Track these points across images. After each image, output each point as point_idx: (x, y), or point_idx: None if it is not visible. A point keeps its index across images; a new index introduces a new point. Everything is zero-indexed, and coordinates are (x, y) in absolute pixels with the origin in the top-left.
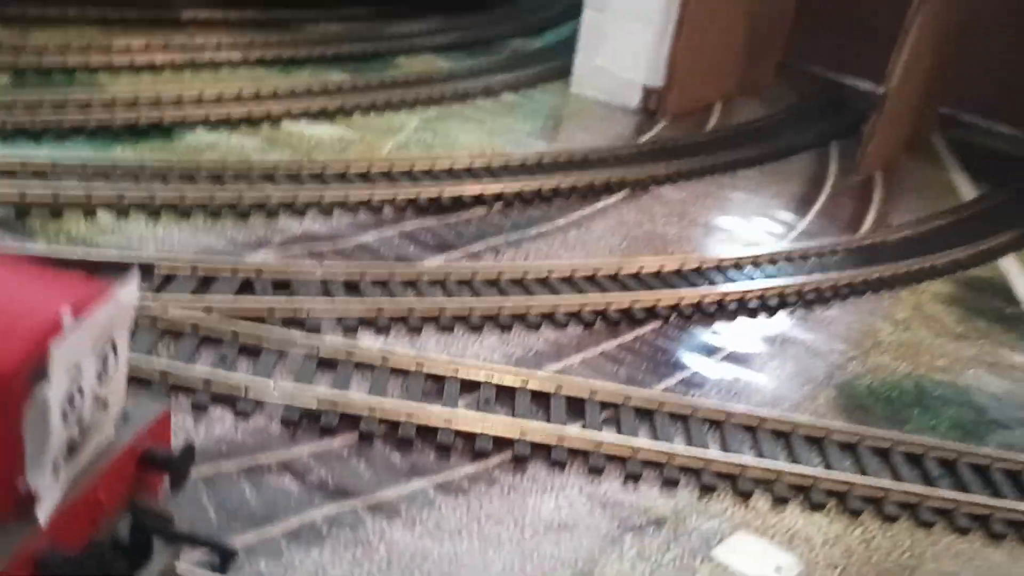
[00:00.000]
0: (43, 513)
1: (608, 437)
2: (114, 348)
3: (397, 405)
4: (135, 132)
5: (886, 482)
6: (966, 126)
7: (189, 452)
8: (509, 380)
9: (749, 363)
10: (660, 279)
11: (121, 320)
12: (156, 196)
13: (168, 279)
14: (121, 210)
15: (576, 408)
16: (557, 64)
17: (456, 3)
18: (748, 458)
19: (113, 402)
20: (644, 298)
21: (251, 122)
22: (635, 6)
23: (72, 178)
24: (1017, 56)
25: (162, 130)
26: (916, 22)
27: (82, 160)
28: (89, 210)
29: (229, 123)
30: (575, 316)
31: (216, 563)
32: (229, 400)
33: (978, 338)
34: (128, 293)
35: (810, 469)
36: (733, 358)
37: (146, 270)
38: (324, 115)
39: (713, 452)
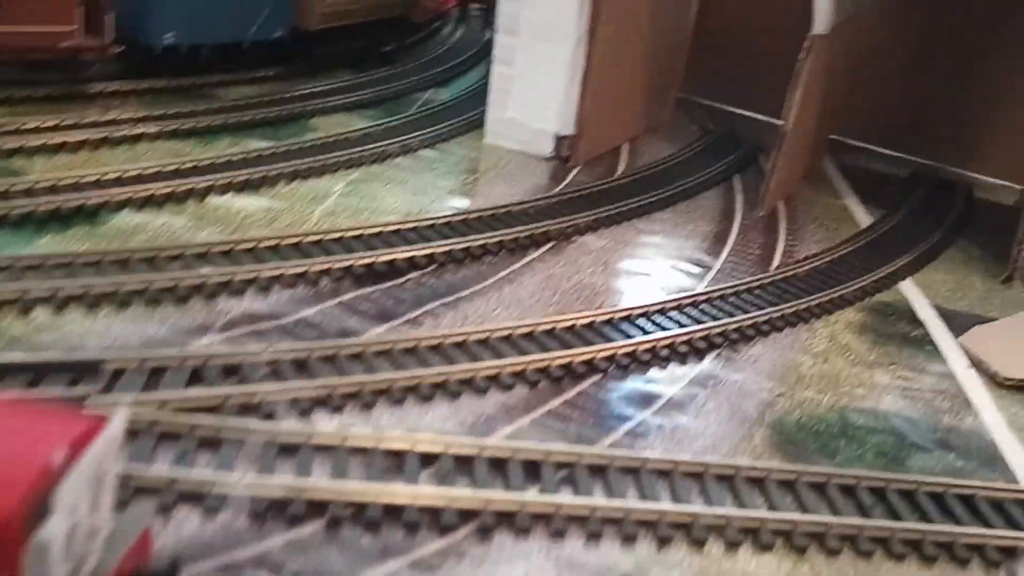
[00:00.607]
0: None
1: (566, 499)
2: (103, 479)
3: (361, 487)
4: (60, 219)
5: (826, 517)
6: (850, 150)
7: (175, 566)
8: (466, 450)
9: (686, 409)
10: (594, 331)
11: (111, 452)
12: (92, 287)
13: (117, 375)
14: (58, 305)
15: (532, 471)
16: (470, 116)
17: (362, 60)
18: (699, 507)
19: (102, 528)
20: (582, 353)
21: (176, 199)
22: (541, 60)
23: (2, 275)
24: (889, 83)
25: (87, 215)
26: (807, 62)
27: (10, 255)
28: (25, 307)
29: (154, 202)
30: (520, 376)
31: None
32: (196, 497)
33: (890, 363)
34: (117, 427)
35: (756, 512)
36: (671, 405)
37: (92, 368)
38: (249, 186)
39: (666, 504)
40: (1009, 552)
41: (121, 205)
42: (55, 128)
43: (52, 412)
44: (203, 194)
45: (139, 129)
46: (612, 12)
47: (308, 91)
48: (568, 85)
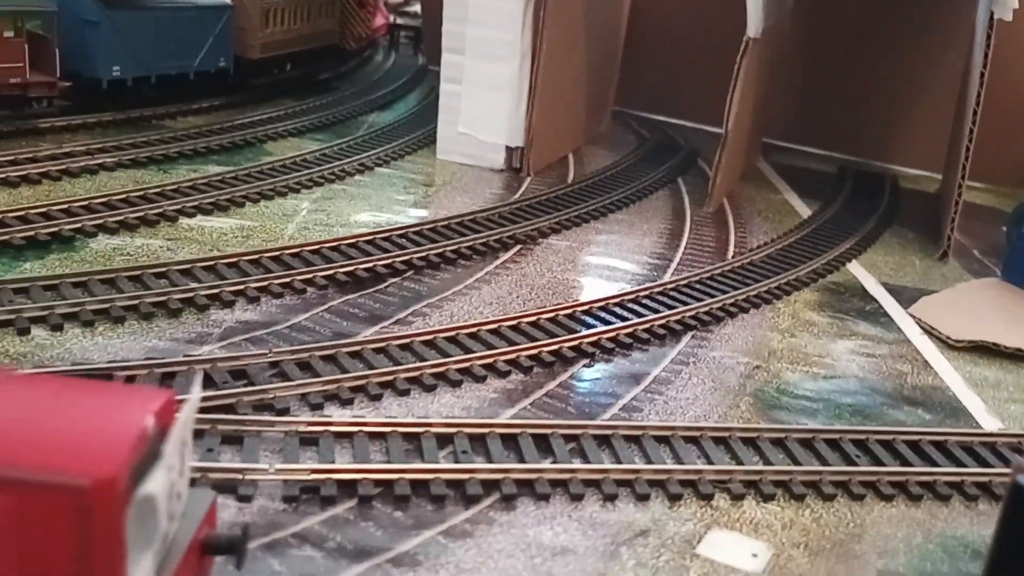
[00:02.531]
0: None
1: (580, 465)
2: (186, 445)
3: (386, 467)
4: (38, 246)
5: (818, 467)
6: (781, 150)
7: (246, 532)
8: (478, 430)
9: (673, 384)
10: (575, 320)
11: (191, 422)
12: (85, 305)
13: (129, 382)
14: (54, 325)
15: (542, 444)
16: (418, 134)
17: (301, 88)
18: (702, 465)
19: (184, 495)
20: (569, 339)
21: (148, 223)
22: (488, 77)
23: None
24: (810, 86)
25: (64, 240)
26: (743, 64)
27: None
28: (22, 328)
29: (127, 225)
30: (514, 363)
31: None
32: (228, 487)
33: (851, 334)
34: (197, 397)
35: (754, 466)
36: (659, 381)
37: (104, 378)
38: (218, 208)
39: (671, 464)
40: (984, 487)
41: (96, 230)
42: (13, 163)
43: (128, 388)
44: (174, 217)
45: (97, 160)
46: (552, 29)
47: (256, 118)
48: (515, 99)
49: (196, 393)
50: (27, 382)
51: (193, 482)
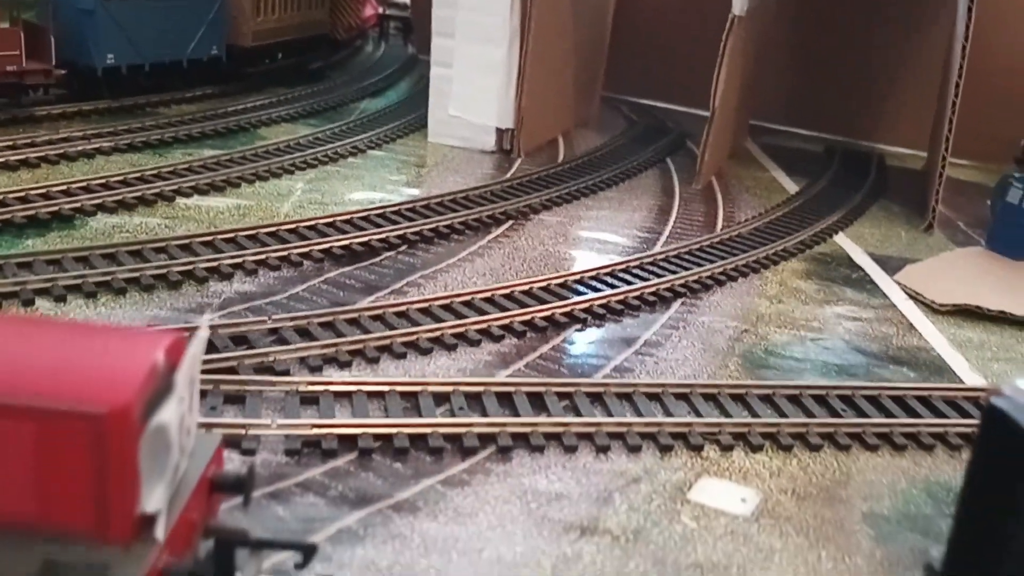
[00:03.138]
0: (161, 531)
1: (573, 419)
2: (194, 382)
3: (385, 422)
4: (39, 224)
5: (805, 419)
6: (768, 132)
7: (252, 472)
8: (474, 389)
9: (664, 347)
10: (568, 288)
11: (198, 359)
12: (87, 277)
13: None
14: (58, 296)
15: (536, 402)
16: (408, 119)
17: (293, 77)
18: (692, 418)
19: (193, 432)
20: (561, 306)
21: (146, 202)
22: (478, 60)
23: None
24: (795, 67)
25: (64, 219)
26: (729, 41)
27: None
28: (26, 300)
29: (125, 205)
30: (507, 328)
31: (299, 561)
32: (232, 442)
33: (837, 300)
34: (204, 334)
35: (743, 419)
36: (649, 344)
37: None
38: (214, 188)
39: (661, 418)
40: (967, 438)
41: (94, 209)
42: (11, 147)
43: (138, 329)
44: (171, 197)
45: (94, 144)
46: (540, 11)
47: (249, 105)
48: (505, 82)
49: (204, 331)
50: (43, 324)
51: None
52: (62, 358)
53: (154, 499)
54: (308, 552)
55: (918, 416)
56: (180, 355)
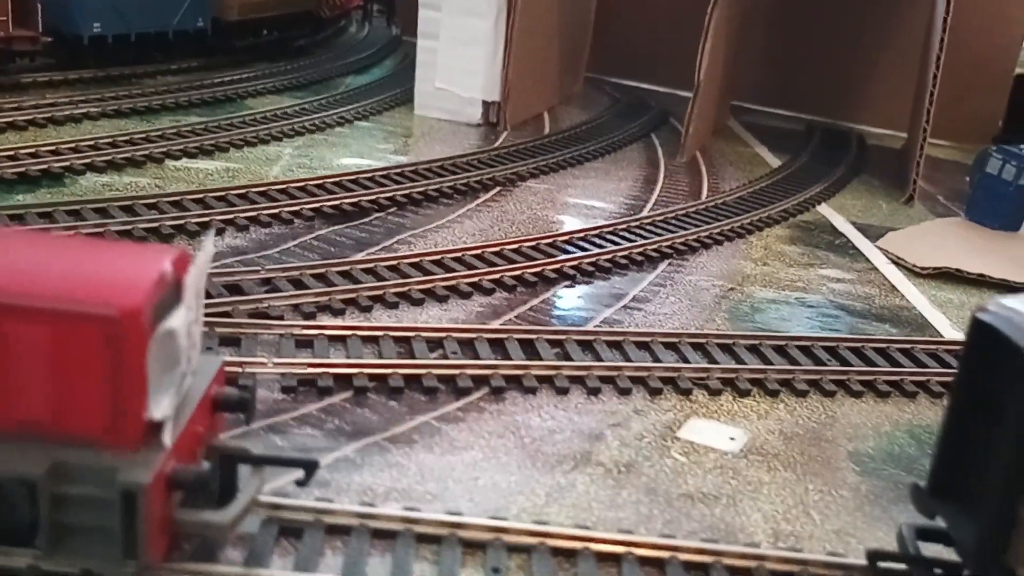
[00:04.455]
0: (168, 437)
1: (564, 363)
2: (200, 294)
3: (380, 363)
4: (28, 181)
5: (791, 366)
6: (750, 112)
7: (254, 392)
8: (467, 335)
9: (652, 302)
10: (556, 248)
11: (204, 273)
12: (79, 229)
13: None
14: None
15: (528, 348)
16: (395, 93)
17: (278, 52)
18: (681, 363)
19: (198, 345)
20: (550, 262)
21: (135, 164)
22: (464, 32)
23: None
24: (782, 51)
25: (53, 176)
26: (714, 16)
27: None
28: None
29: (115, 165)
30: (498, 283)
31: (301, 478)
32: (228, 380)
33: (820, 264)
34: (210, 248)
35: (731, 365)
36: (638, 299)
37: None
38: (203, 152)
39: (651, 363)
40: (949, 386)
41: (84, 168)
42: None
43: (145, 244)
44: (160, 159)
45: (81, 110)
46: None
47: (235, 77)
48: (492, 55)
49: (210, 245)
50: (57, 237)
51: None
52: (74, 266)
53: (162, 406)
54: (310, 468)
55: (900, 366)
56: (187, 267)
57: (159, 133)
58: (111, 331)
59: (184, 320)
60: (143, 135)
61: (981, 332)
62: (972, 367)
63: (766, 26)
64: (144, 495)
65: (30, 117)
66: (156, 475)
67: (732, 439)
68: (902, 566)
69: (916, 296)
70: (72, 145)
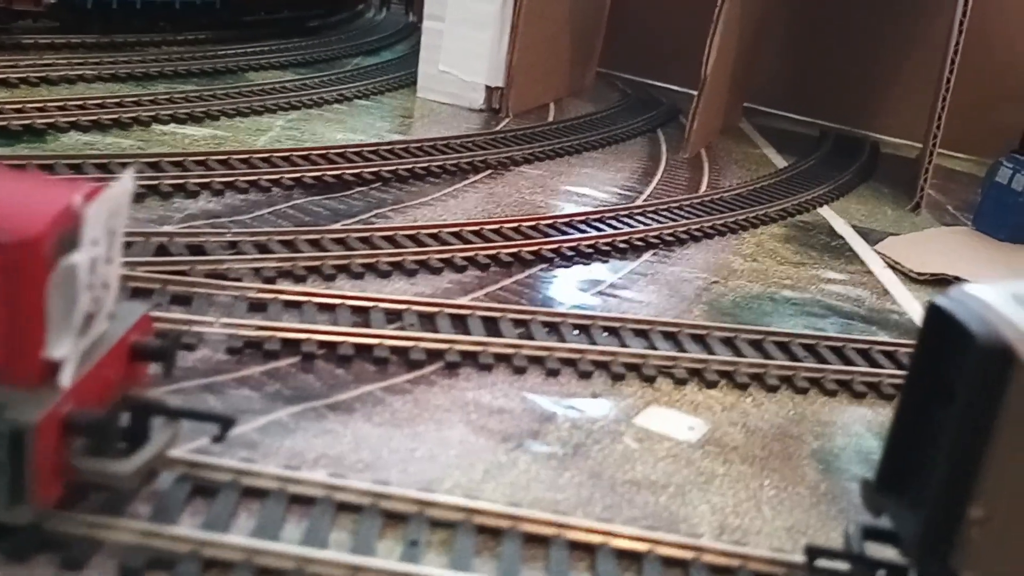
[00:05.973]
0: (66, 377)
1: (525, 342)
2: (114, 236)
3: (332, 329)
4: (8, 135)
5: (764, 360)
6: (762, 115)
7: (175, 342)
8: (428, 309)
9: (628, 289)
10: (538, 231)
11: (121, 210)
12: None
13: None
14: None
15: (491, 326)
16: (401, 75)
17: (290, 31)
18: (647, 350)
19: (112, 288)
20: (529, 244)
21: (121, 125)
22: (471, 15)
23: None
24: (793, 51)
25: (34, 132)
26: (724, 10)
27: None
28: None
29: (100, 125)
30: (471, 260)
31: (217, 435)
32: (172, 336)
33: (813, 264)
34: (127, 184)
35: (701, 355)
36: (615, 287)
37: None
38: (192, 118)
39: (616, 348)
40: None
41: (68, 127)
42: None
43: (62, 179)
44: (147, 122)
45: (76, 71)
46: None
47: (240, 51)
48: (497, 38)
49: (127, 180)
50: None
51: None
52: None
53: (62, 345)
54: (226, 424)
55: (881, 368)
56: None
57: (151, 98)
58: (7, 259)
59: (88, 256)
60: (134, 99)
61: (936, 318)
62: (926, 354)
63: (784, 29)
64: (32, 435)
65: (23, 75)
66: (48, 415)
67: (691, 428)
68: (843, 565)
69: (909, 301)
70: (60, 103)
